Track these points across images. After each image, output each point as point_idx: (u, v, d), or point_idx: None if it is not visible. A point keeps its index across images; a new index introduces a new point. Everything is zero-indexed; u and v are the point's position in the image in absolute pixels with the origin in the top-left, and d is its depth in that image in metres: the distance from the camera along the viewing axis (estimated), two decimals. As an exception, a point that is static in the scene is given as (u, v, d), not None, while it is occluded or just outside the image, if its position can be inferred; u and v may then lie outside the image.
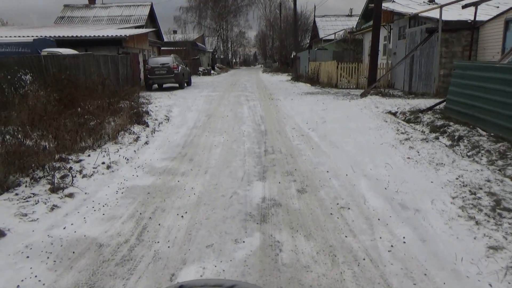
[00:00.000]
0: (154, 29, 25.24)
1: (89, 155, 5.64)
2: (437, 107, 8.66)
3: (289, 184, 4.72)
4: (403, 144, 6.16)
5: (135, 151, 6.31)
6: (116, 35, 16.52)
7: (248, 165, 5.57)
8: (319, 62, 20.92)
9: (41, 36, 15.47)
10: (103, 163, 5.39)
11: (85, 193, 4.40)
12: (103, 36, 16.39)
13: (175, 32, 48.45)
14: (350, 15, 36.20)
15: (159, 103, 11.81)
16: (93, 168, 5.19)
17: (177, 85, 18.31)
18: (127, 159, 5.70)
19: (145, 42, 21.30)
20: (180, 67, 18.02)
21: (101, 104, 8.78)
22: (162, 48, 30.37)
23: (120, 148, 6.33)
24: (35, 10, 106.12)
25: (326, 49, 25.94)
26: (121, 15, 28.33)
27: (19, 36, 15.70)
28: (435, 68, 11.90)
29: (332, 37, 30.44)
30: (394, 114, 8.86)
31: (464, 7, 8.44)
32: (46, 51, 13.51)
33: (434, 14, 12.23)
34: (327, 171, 5.16)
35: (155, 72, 17.22)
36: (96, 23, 27.74)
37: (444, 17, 11.27)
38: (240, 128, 8.27)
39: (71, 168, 4.99)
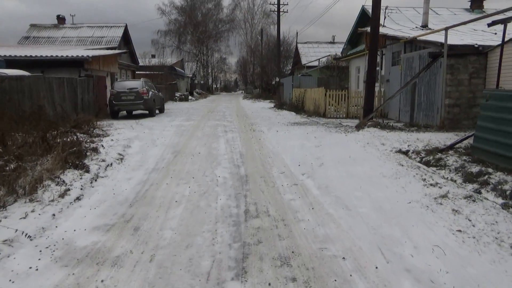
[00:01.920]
0: (124, 51, 23.39)
1: (-30, 229, 3.59)
2: (459, 144, 7.05)
3: (286, 289, 2.82)
4: (441, 204, 4.37)
5: (54, 214, 4.29)
6: (77, 56, 14.56)
7: (220, 242, 3.65)
8: (304, 89, 19.44)
9: (-13, 55, 13.40)
10: (-13, 244, 3.36)
11: None
12: (61, 56, 14.40)
13: (153, 56, 46.85)
14: (333, 42, 35.59)
15: (118, 135, 9.79)
16: (-37, 256, 3.15)
17: (147, 112, 16.33)
18: (30, 237, 3.65)
19: (114, 65, 19.38)
20: (150, 92, 16.09)
21: (34, 140, 6.75)
22: (137, 72, 28.60)
23: (33, 210, 4.29)
24: (13, 32, 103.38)
25: (310, 75, 24.70)
26: (92, 36, 26.47)
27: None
28: (439, 98, 10.45)
29: (315, 63, 29.46)
30: (406, 153, 7.16)
31: (490, 25, 7.02)
32: (-12, 72, 11.45)
33: (435, 38, 10.94)
34: (343, 258, 3.29)
35: (121, 98, 15.18)
36: (64, 44, 25.77)
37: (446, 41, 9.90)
38: (214, 172, 6.36)
39: None
